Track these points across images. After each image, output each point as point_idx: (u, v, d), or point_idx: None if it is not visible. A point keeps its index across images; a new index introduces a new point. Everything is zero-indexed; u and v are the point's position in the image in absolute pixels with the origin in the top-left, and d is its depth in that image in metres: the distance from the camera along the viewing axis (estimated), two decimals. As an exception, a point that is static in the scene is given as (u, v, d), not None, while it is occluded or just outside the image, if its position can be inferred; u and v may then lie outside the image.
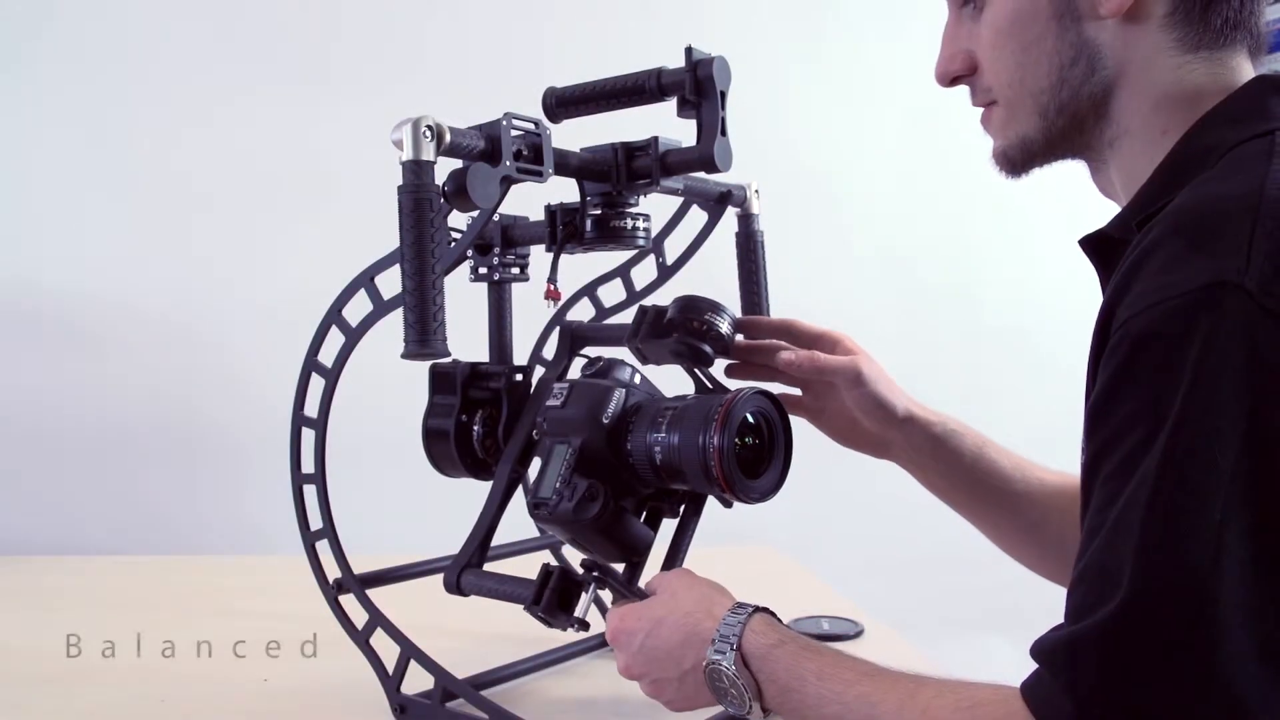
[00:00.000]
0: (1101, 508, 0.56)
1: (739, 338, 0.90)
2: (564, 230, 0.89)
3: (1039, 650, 0.57)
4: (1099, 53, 0.69)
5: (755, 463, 0.82)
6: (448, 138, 0.72)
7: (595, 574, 0.82)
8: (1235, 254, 0.54)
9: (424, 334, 0.70)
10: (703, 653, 0.72)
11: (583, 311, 1.10)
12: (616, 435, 0.83)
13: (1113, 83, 0.70)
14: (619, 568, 0.84)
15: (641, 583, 0.83)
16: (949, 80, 0.77)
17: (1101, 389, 0.58)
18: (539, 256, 0.97)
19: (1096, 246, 0.72)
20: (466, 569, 0.89)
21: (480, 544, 0.91)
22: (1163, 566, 0.52)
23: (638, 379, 0.90)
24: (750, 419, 0.81)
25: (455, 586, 0.89)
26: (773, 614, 0.73)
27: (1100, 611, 0.53)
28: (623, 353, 0.90)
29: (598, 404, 0.84)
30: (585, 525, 0.81)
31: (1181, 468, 0.53)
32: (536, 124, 0.79)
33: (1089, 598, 0.54)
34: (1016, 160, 0.75)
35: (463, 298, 0.91)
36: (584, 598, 0.82)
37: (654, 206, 0.91)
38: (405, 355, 0.71)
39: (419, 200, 0.70)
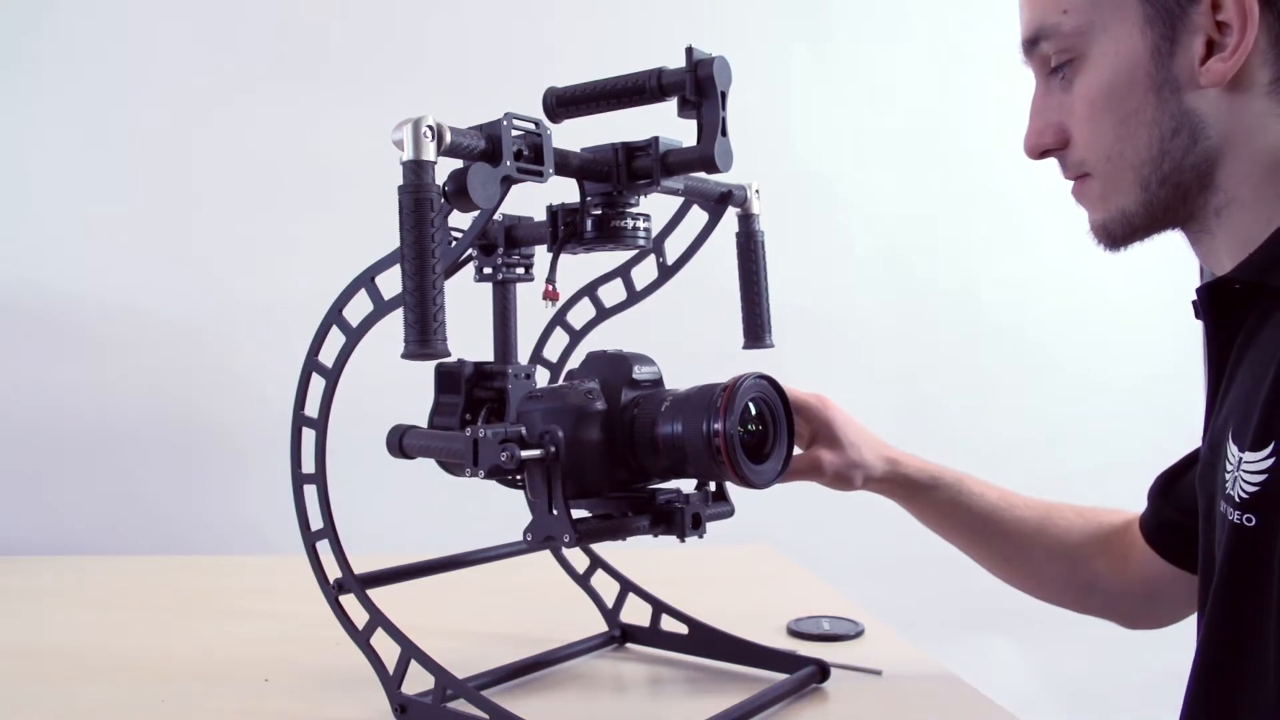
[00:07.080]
0: None
1: None
2: (564, 230, 0.89)
3: None
4: (1201, 123, 0.68)
5: (758, 448, 0.82)
6: (448, 138, 0.72)
7: (552, 449, 0.79)
8: None
9: (424, 334, 0.70)
10: None
11: (583, 311, 1.10)
12: (629, 405, 0.83)
13: (1217, 152, 0.68)
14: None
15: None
16: (1039, 153, 0.75)
17: None
18: (544, 257, 0.97)
19: (1213, 296, 0.70)
20: (411, 429, 0.88)
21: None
22: None
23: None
24: (753, 408, 0.81)
25: (397, 448, 0.88)
26: None
27: None
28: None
29: (638, 362, 0.86)
30: (567, 416, 0.80)
31: None
32: (537, 124, 0.79)
33: None
34: (1117, 234, 0.73)
35: (468, 297, 0.91)
36: (529, 453, 0.78)
37: (654, 206, 0.91)
38: (405, 355, 0.71)
39: (419, 200, 0.70)
